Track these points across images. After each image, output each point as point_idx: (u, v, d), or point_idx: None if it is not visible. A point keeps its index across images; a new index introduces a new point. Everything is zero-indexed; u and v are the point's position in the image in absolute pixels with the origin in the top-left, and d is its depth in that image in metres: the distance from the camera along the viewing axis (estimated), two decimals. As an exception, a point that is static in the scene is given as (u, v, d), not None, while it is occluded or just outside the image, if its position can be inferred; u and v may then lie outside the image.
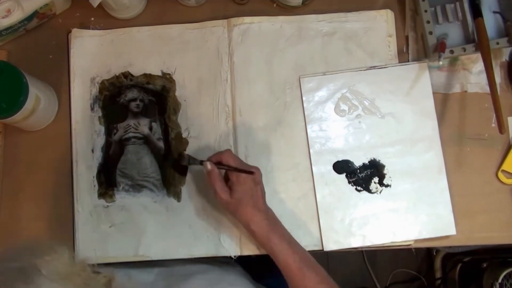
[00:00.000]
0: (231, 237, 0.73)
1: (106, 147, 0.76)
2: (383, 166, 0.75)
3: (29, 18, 0.77)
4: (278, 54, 0.78)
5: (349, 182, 0.74)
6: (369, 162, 0.75)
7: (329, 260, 1.48)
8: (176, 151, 0.76)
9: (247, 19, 0.79)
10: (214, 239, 0.73)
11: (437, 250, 1.42)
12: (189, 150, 0.76)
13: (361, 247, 0.73)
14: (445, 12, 0.76)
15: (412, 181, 0.74)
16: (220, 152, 0.66)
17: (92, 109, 0.77)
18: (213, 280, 0.69)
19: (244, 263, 0.81)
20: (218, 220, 0.73)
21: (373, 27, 0.78)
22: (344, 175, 0.75)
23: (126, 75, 0.78)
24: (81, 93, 0.78)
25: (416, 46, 0.78)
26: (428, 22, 0.74)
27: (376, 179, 0.74)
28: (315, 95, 0.77)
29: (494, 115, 0.71)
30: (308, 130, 0.76)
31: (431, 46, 0.74)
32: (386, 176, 0.74)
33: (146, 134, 0.77)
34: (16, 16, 0.74)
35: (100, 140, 0.77)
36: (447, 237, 0.73)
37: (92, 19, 0.81)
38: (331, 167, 0.75)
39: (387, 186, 0.74)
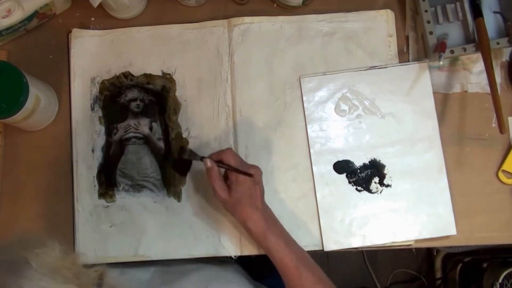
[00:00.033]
0: (231, 237, 0.73)
1: (106, 147, 0.77)
2: (383, 166, 0.74)
3: (29, 18, 0.77)
4: (278, 54, 0.78)
5: (350, 182, 0.74)
6: (369, 162, 0.75)
7: (329, 260, 1.48)
8: (177, 147, 0.75)
9: (247, 19, 0.79)
10: (214, 239, 0.73)
11: (438, 250, 1.42)
12: (189, 150, 0.76)
13: (361, 247, 0.73)
14: (445, 12, 0.76)
15: (412, 181, 0.74)
16: (222, 151, 0.66)
17: (92, 109, 0.78)
18: (209, 277, 0.69)
19: (243, 263, 0.81)
20: (218, 221, 0.73)
21: (373, 27, 0.78)
22: (344, 175, 0.74)
23: (126, 75, 0.78)
24: (81, 93, 0.78)
25: (417, 46, 0.78)
26: (428, 22, 0.74)
27: (376, 179, 0.74)
28: (315, 95, 0.77)
29: (495, 115, 0.71)
30: (308, 130, 0.76)
31: (432, 46, 0.74)
32: (386, 176, 0.74)
33: (146, 134, 0.77)
34: (16, 16, 0.74)
35: (100, 140, 0.77)
36: (447, 237, 0.73)
37: (92, 19, 0.81)
38: (331, 167, 0.75)
39: (387, 186, 0.74)
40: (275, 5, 0.81)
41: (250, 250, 0.73)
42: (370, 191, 0.74)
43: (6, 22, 0.74)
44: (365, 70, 0.77)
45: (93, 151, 0.76)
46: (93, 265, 0.54)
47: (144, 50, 0.79)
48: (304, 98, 0.77)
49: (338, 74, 0.77)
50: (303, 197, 0.74)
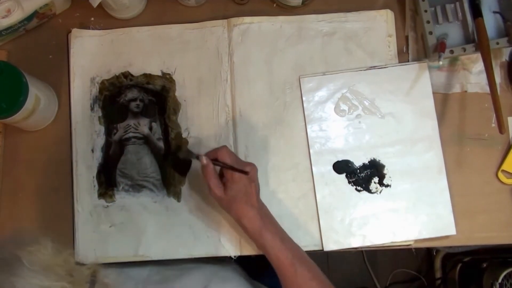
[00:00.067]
0: (231, 237, 0.73)
1: (106, 147, 0.77)
2: (383, 166, 0.75)
3: (29, 18, 0.77)
4: (278, 54, 0.78)
5: (349, 182, 0.74)
6: (369, 162, 0.75)
7: (329, 260, 1.49)
8: (175, 147, 0.75)
9: (247, 19, 0.79)
10: (214, 239, 0.73)
11: (437, 250, 1.42)
12: (189, 150, 0.76)
13: (361, 247, 0.73)
14: (445, 12, 0.76)
15: (412, 181, 0.74)
16: (217, 149, 0.66)
17: (92, 109, 0.78)
18: (207, 275, 0.69)
19: (242, 262, 0.81)
20: (218, 220, 0.73)
21: (373, 27, 0.78)
22: (344, 175, 0.75)
23: (126, 75, 0.78)
24: (81, 93, 0.78)
25: (416, 46, 0.78)
26: (428, 22, 0.74)
27: (376, 179, 0.74)
28: (315, 95, 0.77)
29: (494, 115, 0.71)
30: (308, 130, 0.76)
31: (431, 46, 0.74)
32: (386, 176, 0.74)
33: (146, 134, 0.77)
34: (16, 16, 0.74)
35: (100, 140, 0.77)
36: (447, 237, 0.73)
37: (92, 19, 0.81)
38: (331, 167, 0.75)
39: (387, 186, 0.74)
40: (275, 5, 0.81)
41: (249, 250, 0.73)
42: (369, 191, 0.74)
43: (6, 22, 0.74)
44: (365, 70, 0.77)
45: (92, 151, 0.76)
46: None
47: (144, 50, 0.79)
48: (303, 98, 0.77)
49: (338, 74, 0.77)
50: (303, 197, 0.74)
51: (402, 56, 0.78)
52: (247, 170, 0.63)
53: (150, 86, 0.78)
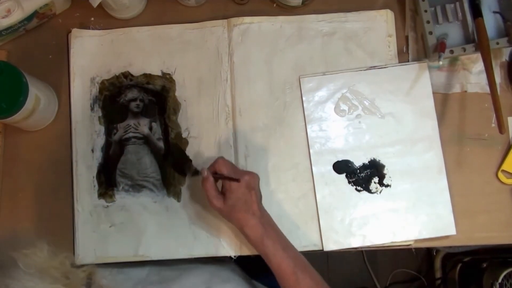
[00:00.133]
0: (230, 237, 0.73)
1: (106, 147, 0.77)
2: (383, 166, 0.75)
3: (29, 18, 0.77)
4: (278, 54, 0.78)
5: (349, 182, 0.74)
6: (369, 162, 0.75)
7: (329, 260, 1.48)
8: (178, 152, 0.75)
9: (247, 19, 0.79)
10: (214, 239, 0.73)
11: (437, 250, 1.42)
12: (189, 150, 0.76)
13: (361, 247, 0.73)
14: (445, 12, 0.76)
15: (412, 181, 0.74)
16: (214, 162, 0.66)
17: (92, 109, 0.78)
18: (207, 276, 0.69)
19: (242, 262, 0.81)
20: (218, 221, 0.73)
21: (373, 27, 0.78)
22: (344, 175, 0.75)
23: (126, 75, 0.78)
24: (81, 93, 0.78)
25: (416, 46, 0.78)
26: (428, 22, 0.74)
27: (376, 179, 0.74)
28: (315, 95, 0.77)
29: (494, 115, 0.71)
30: (308, 130, 0.76)
31: (431, 46, 0.74)
32: (386, 176, 0.74)
33: (146, 134, 0.77)
34: (16, 16, 0.74)
35: (100, 140, 0.77)
36: (447, 237, 0.73)
37: (92, 19, 0.81)
38: (331, 167, 0.75)
39: (387, 186, 0.74)
40: (275, 5, 0.81)
41: (249, 250, 0.73)
42: (369, 191, 0.74)
43: (6, 22, 0.74)
44: (364, 70, 0.77)
45: (92, 151, 0.76)
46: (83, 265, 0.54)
47: (144, 50, 0.79)
48: (303, 98, 0.77)
49: (338, 74, 0.77)
50: (303, 197, 0.74)
51: (402, 56, 0.78)
52: (245, 178, 0.63)
53: (150, 86, 0.78)
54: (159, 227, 0.74)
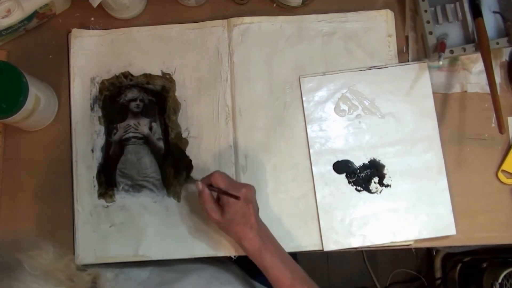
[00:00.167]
0: (230, 237, 0.73)
1: (106, 147, 0.77)
2: (383, 166, 0.75)
3: (29, 18, 0.77)
4: (278, 54, 0.78)
5: (349, 182, 0.74)
6: (369, 162, 0.75)
7: (329, 260, 1.48)
8: (178, 152, 0.75)
9: (247, 19, 0.79)
10: (214, 239, 0.73)
11: (437, 250, 1.42)
12: (189, 150, 0.76)
13: (361, 247, 0.73)
14: (445, 12, 0.76)
15: (412, 181, 0.74)
16: (210, 174, 0.66)
17: (92, 109, 0.78)
18: (207, 278, 0.69)
19: (243, 262, 0.81)
20: (218, 220, 0.73)
21: (373, 27, 0.78)
22: (344, 175, 0.75)
23: (126, 75, 0.78)
24: (81, 93, 0.78)
25: (416, 46, 0.78)
26: (428, 22, 0.74)
27: (376, 179, 0.74)
28: (315, 95, 0.77)
29: (494, 115, 0.71)
30: (308, 130, 0.76)
31: (431, 46, 0.74)
32: (386, 176, 0.74)
33: (146, 134, 0.77)
34: (16, 16, 0.74)
35: (100, 140, 0.77)
36: (447, 237, 0.73)
37: (92, 19, 0.81)
38: (331, 167, 0.75)
39: (387, 186, 0.74)
40: (275, 5, 0.81)
41: (250, 250, 0.73)
42: (369, 191, 0.74)
43: (6, 22, 0.74)
44: (364, 70, 0.77)
45: (92, 151, 0.76)
46: (88, 266, 0.54)
47: (144, 50, 0.79)
48: (303, 98, 0.77)
49: (338, 74, 0.77)
50: (303, 197, 0.74)
51: (402, 56, 0.78)
52: (237, 195, 0.63)
53: (150, 86, 0.78)
54: (159, 227, 0.74)
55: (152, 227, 0.74)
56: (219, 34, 0.79)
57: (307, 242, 0.73)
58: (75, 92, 0.78)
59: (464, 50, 0.73)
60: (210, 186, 0.66)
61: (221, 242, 0.73)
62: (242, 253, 0.73)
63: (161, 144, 0.76)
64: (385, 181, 0.74)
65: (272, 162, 0.75)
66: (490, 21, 0.74)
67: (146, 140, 0.77)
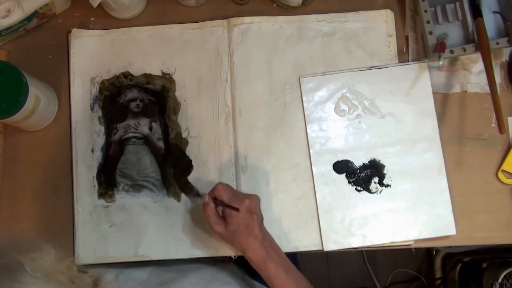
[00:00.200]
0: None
1: (106, 147, 0.77)
2: (383, 166, 0.75)
3: (29, 18, 0.77)
4: (278, 54, 0.78)
5: (349, 182, 0.74)
6: (369, 162, 0.75)
7: (329, 260, 1.49)
8: (178, 152, 0.75)
9: (247, 19, 0.79)
10: (214, 239, 0.73)
11: (437, 250, 1.42)
12: (189, 150, 0.76)
13: (361, 247, 0.73)
14: (445, 12, 0.76)
15: (412, 181, 0.74)
16: (214, 188, 0.66)
17: (92, 109, 0.78)
18: (207, 279, 0.70)
19: (242, 262, 0.81)
20: (218, 220, 0.73)
21: (373, 27, 0.78)
22: (344, 175, 0.74)
23: (126, 75, 0.78)
24: (81, 93, 0.78)
25: (416, 46, 0.78)
26: (428, 22, 0.74)
27: (376, 179, 0.74)
28: (315, 95, 0.77)
29: (494, 115, 0.71)
30: (308, 130, 0.76)
31: (431, 46, 0.74)
32: (386, 176, 0.74)
33: (146, 134, 0.77)
34: (16, 16, 0.74)
35: (100, 140, 0.77)
36: (447, 237, 0.73)
37: (92, 19, 0.81)
38: (331, 167, 0.75)
39: (387, 186, 0.74)
40: (274, 5, 0.81)
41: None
42: (369, 191, 0.74)
43: (6, 22, 0.74)
44: (364, 70, 0.77)
45: (92, 151, 0.76)
46: (89, 267, 0.54)
47: (144, 50, 0.79)
48: (303, 98, 0.77)
49: (338, 74, 0.77)
50: (303, 197, 0.74)
51: (402, 56, 0.78)
52: (238, 207, 0.63)
53: (150, 86, 0.78)
54: (159, 227, 0.74)
55: (152, 227, 0.74)
56: (219, 34, 0.79)
57: (307, 242, 0.73)
58: (75, 92, 0.78)
59: (464, 50, 0.73)
60: (214, 200, 0.66)
61: (221, 242, 0.73)
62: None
63: (161, 144, 0.76)
64: (385, 181, 0.74)
65: (272, 162, 0.75)
66: (490, 21, 0.74)
67: (146, 140, 0.77)
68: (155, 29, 0.79)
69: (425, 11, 0.75)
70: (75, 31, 0.79)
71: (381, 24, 0.78)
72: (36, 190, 0.76)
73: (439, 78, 0.77)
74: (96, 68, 0.78)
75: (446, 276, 1.38)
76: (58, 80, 0.79)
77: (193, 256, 0.73)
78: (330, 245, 0.73)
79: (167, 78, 0.78)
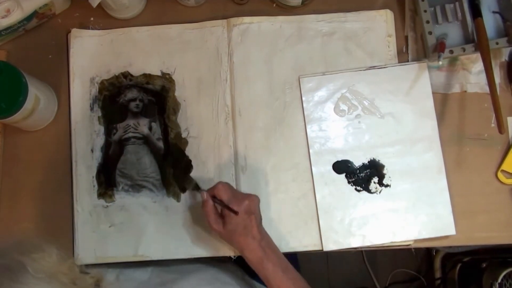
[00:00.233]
0: (230, 237, 0.73)
1: (106, 147, 0.76)
2: (382, 166, 0.75)
3: (28, 18, 0.77)
4: (277, 54, 0.78)
5: (349, 182, 0.74)
6: (368, 162, 0.75)
7: (328, 260, 1.48)
8: (178, 152, 0.75)
9: (247, 19, 0.79)
10: (214, 239, 0.73)
11: (437, 250, 1.42)
12: (189, 150, 0.76)
13: (361, 247, 0.73)
14: (444, 12, 0.76)
15: (411, 181, 0.74)
16: (213, 186, 0.67)
17: (91, 109, 0.78)
18: (207, 279, 0.70)
19: (242, 262, 0.81)
20: (217, 220, 0.73)
21: (372, 27, 0.78)
22: (343, 175, 0.75)
23: (126, 75, 0.78)
24: (81, 93, 0.78)
25: (416, 46, 0.78)
26: (427, 22, 0.74)
27: (375, 179, 0.74)
28: (314, 95, 0.77)
29: (494, 115, 0.71)
30: (308, 130, 0.76)
31: (431, 46, 0.74)
32: (385, 176, 0.74)
33: (145, 134, 0.77)
34: (16, 16, 0.74)
35: (100, 140, 0.77)
36: (446, 237, 0.73)
37: (92, 19, 0.81)
38: (331, 167, 0.75)
39: (386, 186, 0.74)
40: (274, 5, 0.81)
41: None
42: (369, 191, 0.74)
43: (5, 22, 0.74)
44: (364, 70, 0.77)
45: (92, 151, 0.76)
46: (89, 267, 0.54)
47: (143, 50, 0.79)
48: (303, 98, 0.77)
49: (338, 74, 0.77)
50: (302, 197, 0.74)
51: (402, 56, 0.78)
52: (237, 210, 0.63)
53: (149, 86, 0.78)
54: (159, 227, 0.74)
55: (151, 227, 0.74)
56: (218, 34, 0.79)
57: (307, 242, 0.73)
58: (75, 92, 0.78)
59: (464, 50, 0.73)
60: (213, 198, 0.66)
61: (221, 242, 0.73)
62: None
63: (160, 144, 0.76)
64: (384, 181, 0.74)
65: (271, 162, 0.75)
66: (490, 21, 0.75)
67: (145, 140, 0.77)
68: (155, 29, 0.79)
69: (425, 11, 0.75)
70: (74, 31, 0.79)
71: (380, 24, 0.79)
72: (35, 190, 0.76)
73: (439, 78, 0.77)
74: (96, 68, 0.78)
75: (446, 276, 1.38)
76: (58, 80, 0.79)
77: (193, 256, 0.73)
78: (330, 245, 0.73)
79: (166, 78, 0.78)
